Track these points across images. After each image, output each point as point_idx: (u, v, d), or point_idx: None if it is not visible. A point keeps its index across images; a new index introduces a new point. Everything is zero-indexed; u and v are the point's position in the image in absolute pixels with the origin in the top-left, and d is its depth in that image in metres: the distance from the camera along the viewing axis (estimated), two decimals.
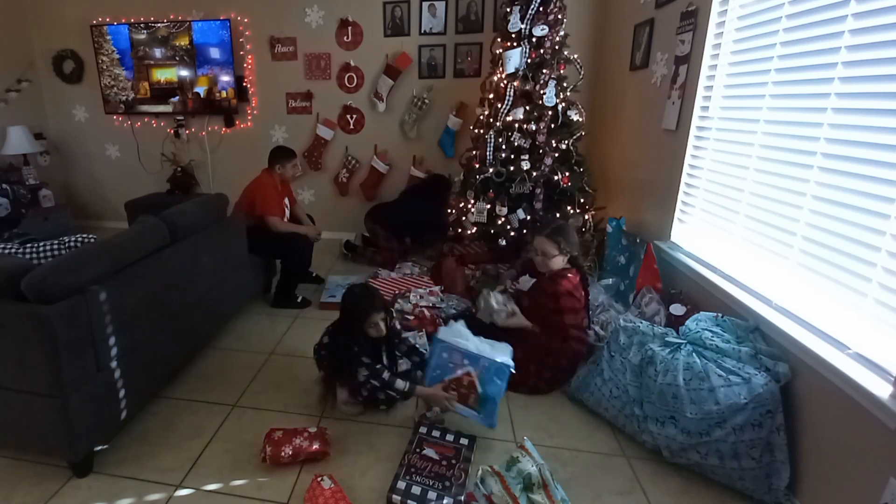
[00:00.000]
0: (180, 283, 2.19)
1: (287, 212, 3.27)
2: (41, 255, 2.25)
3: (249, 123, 4.43)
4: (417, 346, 2.27)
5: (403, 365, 2.14)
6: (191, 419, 2.04)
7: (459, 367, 1.92)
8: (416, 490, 1.61)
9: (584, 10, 3.71)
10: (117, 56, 4.29)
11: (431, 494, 1.59)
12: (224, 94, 4.25)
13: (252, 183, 3.17)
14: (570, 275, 2.20)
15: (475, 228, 3.18)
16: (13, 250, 2.26)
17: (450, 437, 1.85)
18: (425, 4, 3.91)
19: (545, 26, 2.94)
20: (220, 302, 2.54)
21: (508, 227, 3.10)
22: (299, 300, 3.09)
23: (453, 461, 1.73)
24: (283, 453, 1.74)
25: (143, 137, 4.60)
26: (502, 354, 1.91)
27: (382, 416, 2.06)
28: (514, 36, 3.01)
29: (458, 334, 1.98)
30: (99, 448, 1.82)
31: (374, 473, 1.74)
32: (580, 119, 3.10)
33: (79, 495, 1.66)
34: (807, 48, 1.67)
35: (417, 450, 1.78)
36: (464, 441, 1.83)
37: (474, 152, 3.30)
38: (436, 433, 1.86)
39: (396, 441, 1.91)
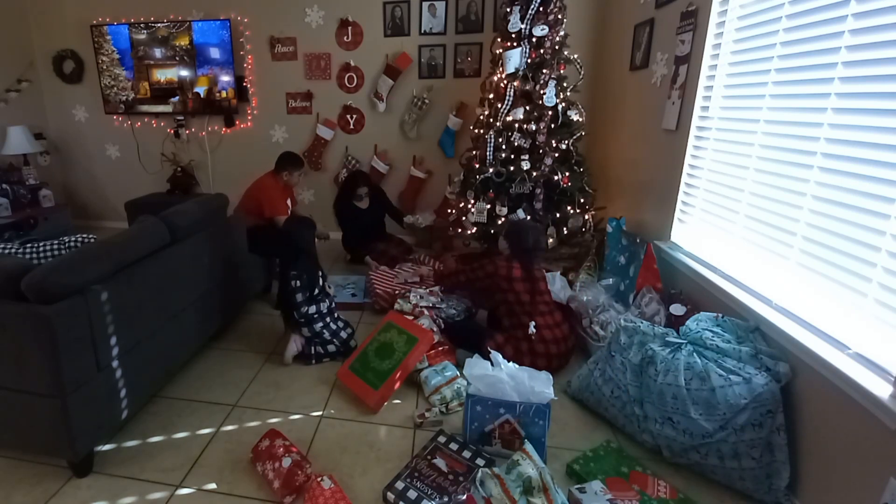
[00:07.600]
0: (180, 282, 2.19)
1: (289, 212, 3.32)
2: (41, 255, 2.25)
3: (249, 123, 4.43)
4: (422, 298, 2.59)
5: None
6: (191, 419, 2.04)
7: (497, 417, 1.79)
8: (411, 494, 1.59)
9: (584, 10, 3.71)
10: (117, 56, 4.29)
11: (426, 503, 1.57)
12: (224, 94, 4.25)
13: (256, 184, 3.24)
14: (501, 262, 2.40)
15: (475, 228, 3.18)
16: (13, 250, 2.26)
17: (466, 454, 1.77)
18: (425, 4, 3.91)
19: (545, 26, 2.94)
20: (220, 302, 2.54)
21: None
22: None
23: (461, 478, 1.65)
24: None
25: (143, 137, 4.60)
26: (540, 387, 1.76)
27: (383, 416, 2.06)
28: (514, 36, 3.01)
29: (486, 371, 1.82)
30: (99, 448, 1.82)
31: (374, 473, 1.74)
32: (580, 119, 3.10)
33: (79, 495, 1.66)
34: (807, 48, 1.67)
35: (428, 456, 1.75)
36: (480, 462, 1.74)
37: (474, 152, 3.30)
38: (454, 445, 1.80)
39: (397, 441, 1.91)
